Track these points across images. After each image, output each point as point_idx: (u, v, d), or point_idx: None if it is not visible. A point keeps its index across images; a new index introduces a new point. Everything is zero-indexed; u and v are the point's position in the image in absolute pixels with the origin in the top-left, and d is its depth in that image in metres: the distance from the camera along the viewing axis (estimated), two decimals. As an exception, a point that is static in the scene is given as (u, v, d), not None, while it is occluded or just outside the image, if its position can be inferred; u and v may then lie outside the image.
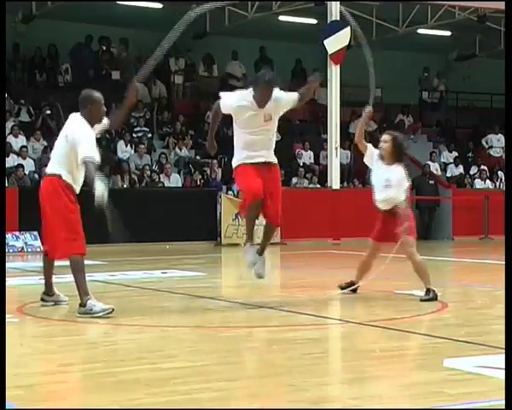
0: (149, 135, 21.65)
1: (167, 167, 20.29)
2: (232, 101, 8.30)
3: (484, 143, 25.83)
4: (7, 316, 6.94)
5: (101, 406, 4.41)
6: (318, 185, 21.47)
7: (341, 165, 21.30)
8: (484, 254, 17.58)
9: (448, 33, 26.17)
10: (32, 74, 22.60)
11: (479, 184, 23.79)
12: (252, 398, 4.65)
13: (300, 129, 23.87)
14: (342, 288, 9.14)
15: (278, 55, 24.82)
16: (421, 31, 25.08)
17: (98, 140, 7.88)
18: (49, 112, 20.79)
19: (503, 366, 4.64)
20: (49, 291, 8.15)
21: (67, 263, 7.66)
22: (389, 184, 8.66)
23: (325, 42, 20.05)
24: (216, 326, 7.34)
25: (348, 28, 19.81)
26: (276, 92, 8.22)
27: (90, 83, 15.89)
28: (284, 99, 8.34)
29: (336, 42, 19.99)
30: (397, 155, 8.78)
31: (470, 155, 25.52)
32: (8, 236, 16.78)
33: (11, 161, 18.82)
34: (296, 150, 22.66)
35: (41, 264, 8.26)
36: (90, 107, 7.68)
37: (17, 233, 17.18)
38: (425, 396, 4.61)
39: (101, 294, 8.50)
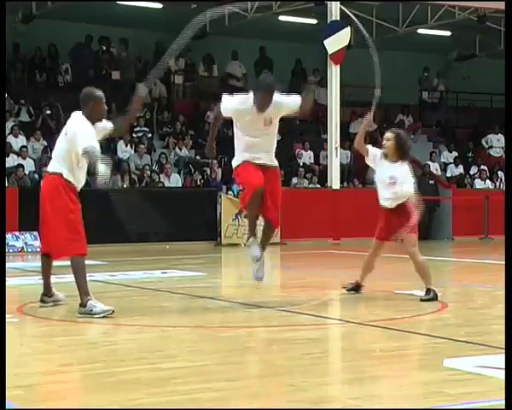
0: (149, 135, 21.64)
1: (167, 167, 20.27)
2: (233, 104, 8.30)
3: (484, 143, 25.81)
4: (7, 316, 6.94)
5: (101, 406, 4.42)
6: (318, 185, 21.45)
7: (341, 165, 21.29)
8: (484, 254, 17.58)
9: (448, 33, 26.16)
10: (32, 74, 22.59)
11: (479, 184, 23.78)
12: (252, 398, 4.65)
13: (300, 129, 23.84)
14: (348, 289, 9.11)
15: (278, 55, 24.81)
16: (421, 31, 25.06)
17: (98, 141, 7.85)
18: (49, 112, 20.78)
19: (503, 366, 4.64)
20: (47, 292, 8.12)
21: (67, 263, 7.66)
22: (394, 181, 8.61)
23: (325, 42, 20.04)
24: (216, 326, 7.34)
25: (348, 28, 19.82)
26: (277, 96, 8.22)
27: (90, 83, 15.60)
28: (285, 104, 8.33)
29: (336, 42, 19.97)
30: (400, 152, 8.74)
31: (470, 155, 25.50)
32: (8, 236, 16.77)
33: (11, 161, 18.82)
34: (296, 150, 22.65)
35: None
36: (91, 104, 7.69)
37: (17, 233, 17.18)
38: (425, 396, 4.62)
39: (101, 294, 8.49)
